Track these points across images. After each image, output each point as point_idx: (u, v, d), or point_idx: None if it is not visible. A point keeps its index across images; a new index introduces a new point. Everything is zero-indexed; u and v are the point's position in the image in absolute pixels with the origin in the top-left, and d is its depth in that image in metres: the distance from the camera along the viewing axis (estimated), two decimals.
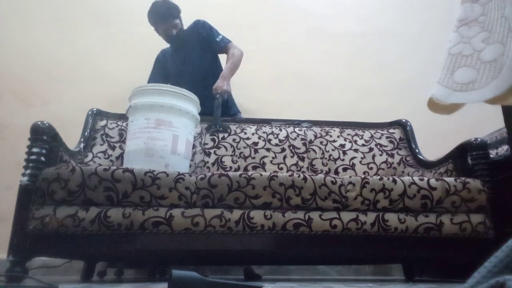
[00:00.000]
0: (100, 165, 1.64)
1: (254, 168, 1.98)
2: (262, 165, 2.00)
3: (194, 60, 2.32)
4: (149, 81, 2.38)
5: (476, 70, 0.76)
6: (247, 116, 2.43)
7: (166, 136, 1.60)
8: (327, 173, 1.99)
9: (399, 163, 2.06)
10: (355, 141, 2.15)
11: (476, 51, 0.77)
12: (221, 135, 2.09)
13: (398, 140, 2.18)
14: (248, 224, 1.35)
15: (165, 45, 2.49)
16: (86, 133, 1.91)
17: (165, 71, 2.39)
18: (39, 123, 1.41)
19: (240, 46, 2.32)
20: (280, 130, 2.18)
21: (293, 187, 1.39)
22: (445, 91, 0.81)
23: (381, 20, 3.05)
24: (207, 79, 2.26)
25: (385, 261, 2.24)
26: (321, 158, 2.07)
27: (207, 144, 2.06)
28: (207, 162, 1.98)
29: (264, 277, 2.03)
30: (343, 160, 2.06)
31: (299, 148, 2.10)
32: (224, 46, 2.30)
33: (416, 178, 1.47)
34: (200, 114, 2.07)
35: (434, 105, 0.86)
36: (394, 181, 1.44)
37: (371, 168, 2.03)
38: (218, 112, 2.08)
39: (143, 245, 1.34)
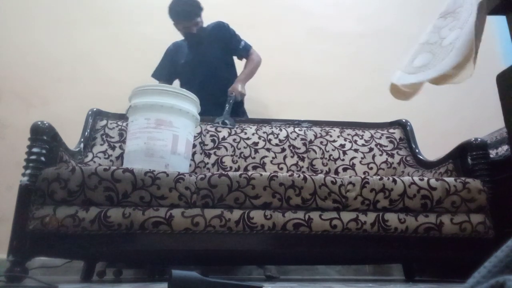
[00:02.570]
0: (100, 165, 1.64)
1: (254, 168, 1.98)
2: (262, 165, 2.00)
3: (212, 60, 2.33)
4: (156, 71, 2.37)
5: (433, 55, 0.79)
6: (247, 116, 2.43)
7: (166, 136, 1.60)
8: (327, 173, 1.99)
9: (399, 163, 2.06)
10: (355, 141, 2.15)
11: (441, 38, 0.80)
12: (221, 135, 2.09)
13: (398, 140, 2.18)
14: (248, 224, 1.35)
15: (165, 43, 2.49)
16: (86, 133, 1.91)
17: (174, 64, 2.37)
18: (39, 123, 1.41)
19: (259, 52, 2.39)
20: (280, 130, 2.18)
21: (293, 187, 1.39)
22: (401, 74, 0.85)
23: (381, 20, 3.05)
24: (221, 81, 2.29)
25: (385, 261, 2.24)
26: (321, 158, 2.07)
27: (207, 145, 2.06)
28: (207, 163, 1.98)
29: (263, 277, 2.03)
30: (343, 160, 2.06)
31: (299, 148, 2.10)
32: (245, 52, 2.37)
33: (416, 178, 1.47)
34: (207, 115, 2.10)
35: (394, 90, 0.90)
36: (394, 181, 1.44)
37: (371, 168, 2.04)
38: (229, 109, 2.17)
39: (143, 245, 1.34)
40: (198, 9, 2.24)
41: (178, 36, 2.44)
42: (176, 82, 2.44)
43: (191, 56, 2.34)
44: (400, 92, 0.88)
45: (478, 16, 0.72)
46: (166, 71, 2.36)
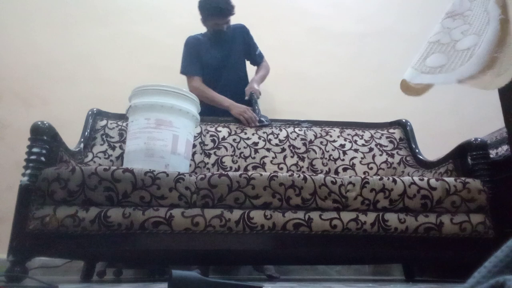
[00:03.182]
0: (100, 165, 1.64)
1: (254, 168, 1.98)
2: (262, 165, 2.00)
3: (235, 60, 2.38)
4: (188, 67, 2.29)
5: (448, 57, 0.80)
6: None
7: (166, 136, 1.60)
8: (327, 173, 1.99)
9: (399, 163, 2.06)
10: (355, 141, 2.15)
11: (454, 40, 0.81)
12: (221, 135, 2.09)
13: (398, 140, 2.18)
14: (248, 224, 1.35)
15: (165, 43, 2.49)
16: (86, 133, 1.91)
17: (199, 56, 2.33)
18: (39, 123, 1.41)
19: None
20: (280, 130, 2.18)
21: (293, 187, 1.39)
22: (414, 72, 0.85)
23: (381, 20, 3.05)
24: (241, 81, 2.37)
25: (385, 261, 2.24)
26: (321, 158, 2.07)
27: (207, 145, 2.06)
28: (207, 163, 1.98)
29: (264, 277, 2.03)
30: (343, 160, 2.06)
31: (299, 148, 2.10)
32: (260, 59, 2.48)
33: (416, 178, 1.47)
34: (218, 115, 2.11)
35: (405, 87, 0.90)
36: (394, 181, 1.44)
37: (371, 168, 2.04)
38: (258, 107, 2.23)
39: (143, 245, 1.33)
40: (233, 8, 2.27)
41: (178, 36, 2.43)
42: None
43: (216, 53, 2.34)
44: (411, 89, 0.89)
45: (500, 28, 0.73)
46: (199, 65, 2.30)
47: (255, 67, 2.51)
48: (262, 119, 2.19)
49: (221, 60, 2.33)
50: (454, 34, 0.81)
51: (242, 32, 2.41)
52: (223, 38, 2.34)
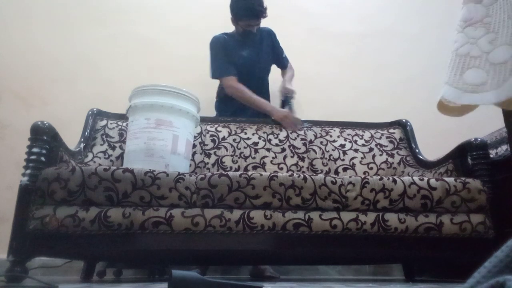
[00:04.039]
0: (100, 165, 1.64)
1: (254, 168, 1.98)
2: (262, 165, 2.00)
3: (264, 62, 2.39)
4: (223, 69, 2.23)
5: (485, 72, 0.75)
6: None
7: (166, 136, 1.60)
8: (327, 173, 1.99)
9: (399, 163, 2.06)
10: (355, 141, 2.15)
11: (484, 52, 0.76)
12: (221, 135, 2.09)
13: (398, 140, 2.18)
14: (248, 224, 1.35)
15: (164, 44, 2.48)
16: (86, 133, 1.91)
17: (228, 56, 2.29)
18: (39, 123, 1.41)
19: None
20: (280, 130, 2.18)
21: (293, 187, 1.39)
22: (456, 92, 0.79)
23: (381, 20, 3.05)
24: (267, 83, 2.40)
25: (385, 261, 2.24)
26: (321, 158, 2.07)
27: (207, 145, 2.06)
28: (207, 163, 1.98)
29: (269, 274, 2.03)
30: (343, 160, 2.06)
31: (299, 148, 2.10)
32: (287, 62, 2.53)
33: (416, 178, 1.47)
34: (256, 115, 2.15)
35: (445, 107, 0.83)
36: (394, 181, 1.44)
37: (371, 168, 2.04)
38: (293, 108, 2.25)
39: (143, 245, 1.33)
40: (266, 10, 2.27)
41: (178, 37, 2.43)
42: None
43: (244, 54, 2.33)
44: (451, 109, 0.82)
45: None
46: (233, 64, 2.26)
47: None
48: (305, 125, 2.21)
49: (249, 61, 2.31)
50: (482, 44, 0.76)
51: (271, 35, 2.44)
52: (251, 39, 2.33)
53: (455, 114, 0.84)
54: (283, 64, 2.51)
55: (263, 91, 2.34)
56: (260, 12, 2.22)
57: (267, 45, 2.41)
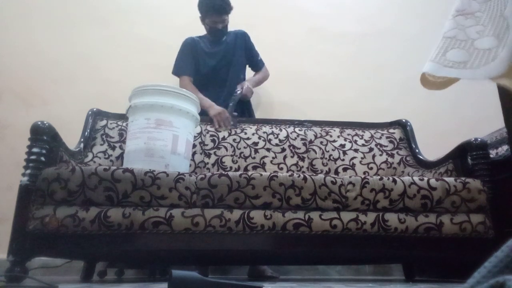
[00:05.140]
0: (100, 165, 1.64)
1: (254, 168, 1.98)
2: (262, 165, 2.00)
3: (234, 62, 2.36)
4: (180, 68, 2.30)
5: (469, 54, 0.80)
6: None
7: (166, 136, 1.60)
8: (327, 173, 1.99)
9: (399, 163, 2.06)
10: (355, 141, 2.15)
11: (471, 38, 0.81)
12: (221, 135, 2.09)
13: (398, 140, 2.18)
14: (248, 224, 1.35)
15: (164, 44, 2.48)
16: (86, 133, 1.91)
17: (196, 59, 2.33)
18: (39, 123, 1.41)
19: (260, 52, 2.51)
20: (280, 130, 2.18)
21: (293, 187, 1.39)
22: (437, 66, 0.85)
23: (381, 20, 3.05)
24: (233, 85, 2.31)
25: (385, 261, 2.24)
26: (321, 158, 2.07)
27: (207, 145, 2.06)
28: (207, 163, 1.98)
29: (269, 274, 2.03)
30: (343, 160, 2.06)
31: (299, 148, 2.10)
32: (261, 64, 2.50)
33: (416, 178, 1.47)
34: (200, 114, 2.08)
35: (426, 81, 0.90)
36: (394, 181, 1.44)
37: (371, 168, 2.04)
38: (233, 106, 2.18)
39: (143, 245, 1.34)
40: (230, 7, 2.28)
41: (178, 37, 2.43)
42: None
43: (214, 53, 2.35)
44: (432, 83, 0.89)
45: None
46: (191, 66, 2.30)
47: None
48: (232, 122, 2.14)
49: (219, 62, 2.33)
50: (470, 32, 0.81)
51: (244, 36, 2.43)
52: (220, 38, 2.34)
53: (436, 88, 0.89)
54: (256, 65, 2.50)
55: (232, 91, 2.29)
56: (221, 7, 2.24)
57: (240, 46, 2.39)
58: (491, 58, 0.75)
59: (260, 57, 2.50)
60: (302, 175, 1.41)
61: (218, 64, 2.33)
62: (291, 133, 2.16)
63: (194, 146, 1.95)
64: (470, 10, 0.83)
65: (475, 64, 0.77)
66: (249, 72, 2.53)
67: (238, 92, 2.24)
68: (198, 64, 2.33)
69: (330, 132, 2.20)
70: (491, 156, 1.61)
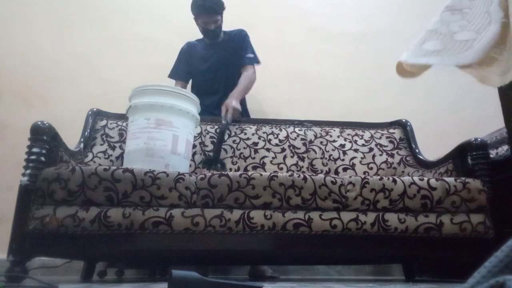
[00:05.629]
0: (100, 165, 1.64)
1: (254, 168, 1.98)
2: (262, 165, 2.00)
3: (229, 64, 2.32)
4: (172, 72, 2.36)
5: (444, 44, 0.83)
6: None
7: (166, 136, 1.60)
8: (327, 173, 1.99)
9: (399, 163, 2.06)
10: (355, 141, 2.15)
11: (451, 31, 0.84)
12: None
13: (398, 140, 2.18)
14: (248, 224, 1.35)
15: (164, 44, 2.49)
16: (86, 133, 1.91)
17: (189, 63, 2.36)
18: (39, 123, 1.41)
19: (260, 52, 2.36)
20: (280, 130, 2.18)
21: (293, 187, 1.39)
22: (410, 55, 0.89)
23: (381, 20, 3.05)
24: (231, 86, 2.24)
25: (385, 261, 2.24)
26: (321, 158, 2.07)
27: (207, 145, 2.06)
28: None
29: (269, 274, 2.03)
30: (343, 160, 2.06)
31: (299, 148, 2.10)
32: (248, 61, 2.29)
33: (416, 178, 1.47)
34: (200, 114, 2.08)
35: (401, 69, 0.94)
36: (394, 181, 1.44)
37: (371, 168, 2.03)
38: (219, 145, 1.96)
39: (143, 245, 1.34)
40: (221, 7, 2.25)
41: (178, 36, 2.44)
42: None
43: (209, 54, 2.33)
44: (406, 71, 0.93)
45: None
46: (183, 71, 2.35)
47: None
48: (218, 164, 1.87)
49: (214, 60, 2.31)
50: (452, 26, 0.84)
51: (238, 35, 2.37)
52: (215, 38, 2.33)
53: (409, 75, 0.94)
54: (241, 59, 2.30)
55: (227, 91, 2.23)
56: (211, 8, 2.21)
57: (236, 47, 2.35)
58: (465, 48, 0.79)
59: (250, 54, 2.32)
60: (302, 175, 1.41)
61: (213, 67, 2.31)
62: (291, 133, 2.16)
63: (194, 146, 1.95)
64: (459, 7, 0.87)
65: (448, 52, 0.81)
66: None
67: (224, 123, 2.00)
68: (193, 68, 2.34)
69: (330, 132, 2.20)
70: (491, 156, 1.61)
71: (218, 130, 2.04)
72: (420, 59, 0.85)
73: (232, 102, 2.06)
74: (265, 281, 1.60)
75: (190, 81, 2.41)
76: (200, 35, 2.40)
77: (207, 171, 1.85)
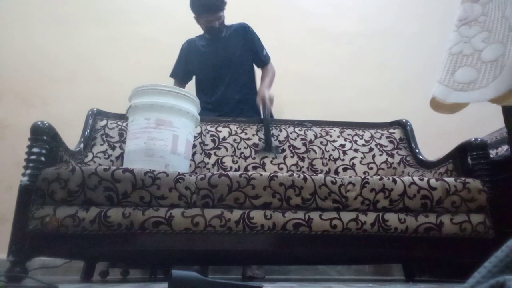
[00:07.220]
0: (100, 165, 1.64)
1: (254, 168, 1.98)
2: (262, 165, 2.00)
3: (234, 58, 2.28)
4: (173, 71, 2.35)
5: (477, 70, 0.77)
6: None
7: (166, 136, 1.60)
8: (327, 173, 1.99)
9: (399, 163, 2.06)
10: (355, 141, 2.15)
11: (477, 50, 0.78)
12: (221, 136, 2.09)
13: (398, 140, 2.18)
14: (248, 224, 1.35)
15: (164, 43, 2.49)
16: (86, 133, 1.91)
17: (190, 61, 2.33)
18: (39, 123, 1.41)
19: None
20: (280, 130, 2.18)
21: (293, 187, 1.39)
22: (446, 90, 0.81)
23: (381, 20, 3.05)
24: (241, 80, 2.25)
25: (385, 261, 2.24)
26: (321, 158, 2.07)
27: (207, 145, 2.06)
28: (208, 163, 1.98)
29: (264, 277, 2.03)
30: (343, 160, 2.06)
31: (299, 148, 2.10)
32: (267, 60, 2.35)
33: (416, 178, 1.47)
34: (219, 114, 2.09)
35: (437, 105, 0.86)
36: (394, 181, 1.44)
37: (371, 168, 2.03)
38: (269, 132, 2.06)
39: (143, 245, 1.34)
40: (222, 3, 2.19)
41: (178, 36, 2.44)
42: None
43: (212, 51, 2.28)
44: (443, 107, 0.85)
45: None
46: (182, 70, 2.33)
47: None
48: (273, 150, 1.99)
49: (218, 57, 2.26)
50: (475, 43, 0.78)
51: (244, 29, 2.32)
52: (218, 35, 2.27)
53: (447, 112, 0.86)
54: (260, 61, 2.34)
55: (241, 88, 2.25)
56: (214, 5, 2.16)
57: (237, 40, 2.30)
58: (499, 70, 0.72)
59: (265, 51, 2.35)
60: (302, 175, 1.41)
61: (215, 64, 2.26)
62: (291, 133, 2.16)
63: (194, 146, 1.95)
64: (473, 16, 0.81)
65: (484, 81, 0.74)
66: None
67: (266, 117, 2.09)
68: (195, 65, 2.31)
69: (330, 132, 2.20)
70: (491, 156, 1.61)
71: (262, 125, 2.12)
72: (458, 96, 0.79)
73: (265, 93, 2.14)
74: (250, 281, 1.59)
75: (194, 78, 2.38)
76: (201, 31, 2.38)
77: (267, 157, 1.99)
